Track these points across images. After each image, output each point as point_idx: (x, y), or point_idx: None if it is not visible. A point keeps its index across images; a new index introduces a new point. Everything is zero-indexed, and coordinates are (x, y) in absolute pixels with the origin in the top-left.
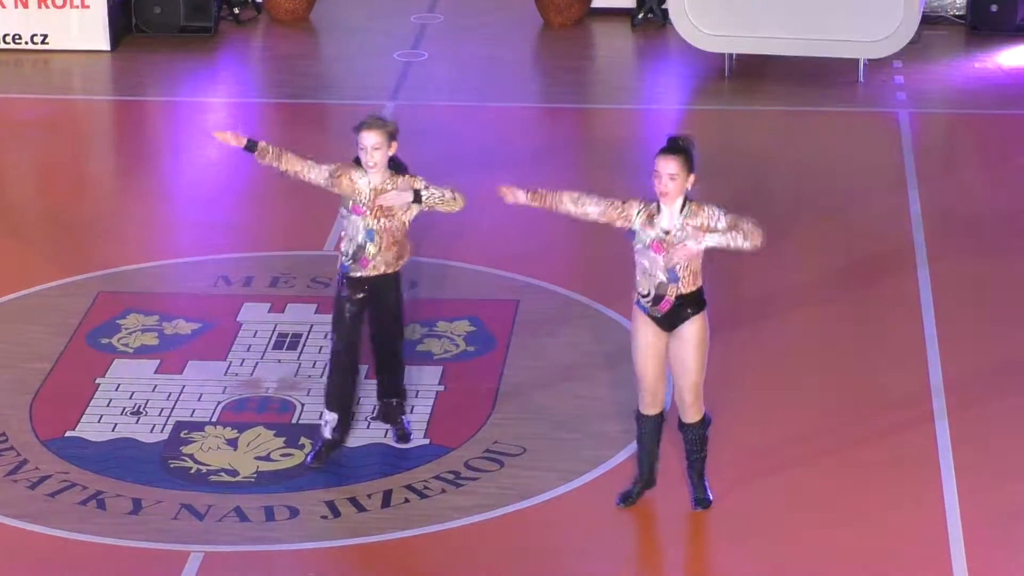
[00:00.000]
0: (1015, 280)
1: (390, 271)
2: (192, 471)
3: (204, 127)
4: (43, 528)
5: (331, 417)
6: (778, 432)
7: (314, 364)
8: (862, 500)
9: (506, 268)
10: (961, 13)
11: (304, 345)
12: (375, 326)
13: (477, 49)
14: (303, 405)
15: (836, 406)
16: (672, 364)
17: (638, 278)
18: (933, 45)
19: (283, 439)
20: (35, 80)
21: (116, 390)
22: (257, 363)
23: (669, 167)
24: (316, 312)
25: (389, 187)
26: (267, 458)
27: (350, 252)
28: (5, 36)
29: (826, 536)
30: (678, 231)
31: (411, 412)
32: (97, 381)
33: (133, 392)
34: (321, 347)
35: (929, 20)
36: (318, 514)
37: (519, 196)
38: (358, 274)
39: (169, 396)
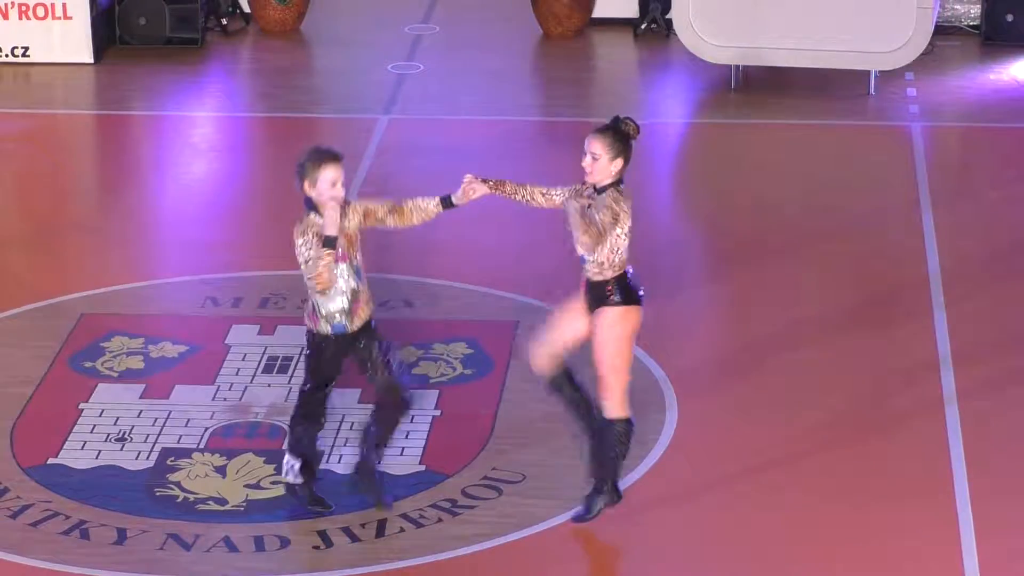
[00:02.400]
0: None
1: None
2: (179, 499)
3: (191, 142)
4: (24, 559)
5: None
6: (782, 450)
7: None
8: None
9: (504, 288)
10: (975, 23)
11: (295, 368)
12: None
13: (474, 61)
14: None
15: (845, 425)
16: None
17: None
18: (946, 56)
19: (273, 466)
20: (16, 93)
21: (100, 415)
22: (246, 387)
23: (593, 147)
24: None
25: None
26: (257, 486)
27: (346, 305)
28: None
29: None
30: (588, 207)
31: (406, 437)
32: (80, 406)
33: (118, 418)
34: None
35: (942, 30)
36: (310, 544)
37: (478, 189)
38: (354, 326)
39: (155, 422)
